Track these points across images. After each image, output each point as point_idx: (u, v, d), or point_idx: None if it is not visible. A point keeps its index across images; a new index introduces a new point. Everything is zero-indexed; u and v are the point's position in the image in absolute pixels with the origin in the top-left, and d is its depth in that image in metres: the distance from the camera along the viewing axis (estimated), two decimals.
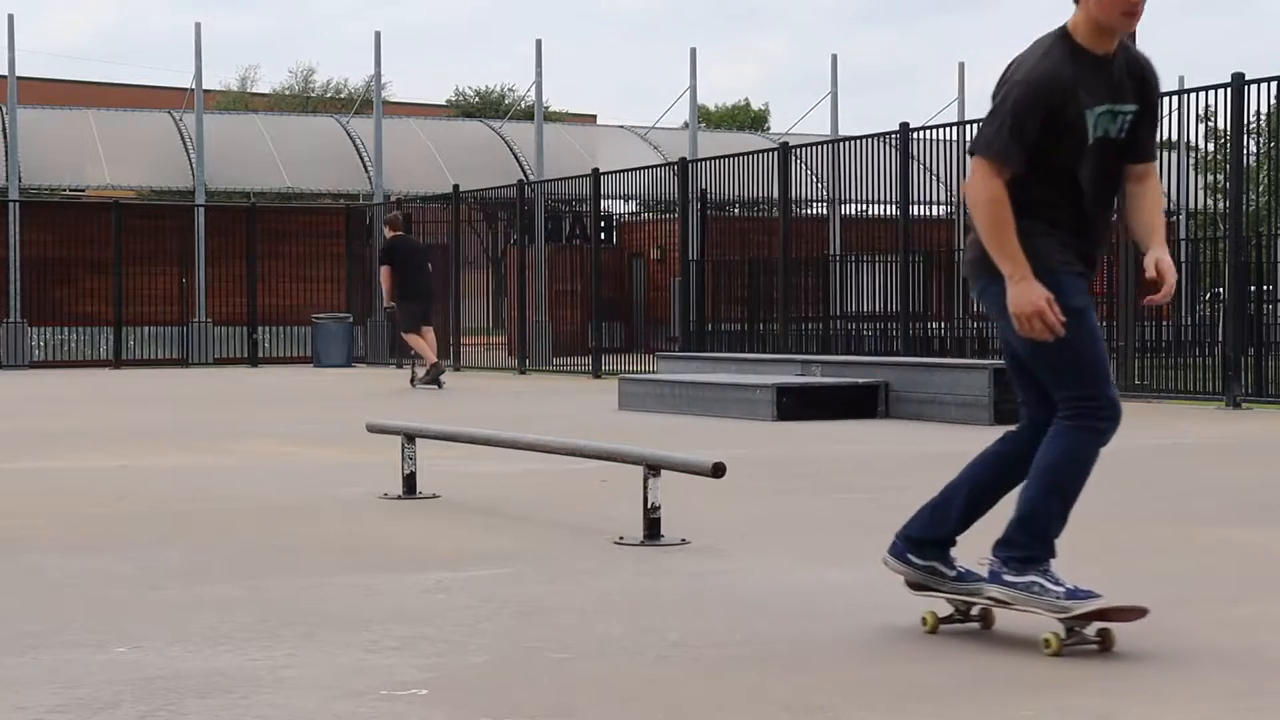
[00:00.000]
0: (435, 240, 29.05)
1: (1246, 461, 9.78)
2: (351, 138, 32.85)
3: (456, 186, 27.47)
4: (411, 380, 19.24)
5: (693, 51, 32.18)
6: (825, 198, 26.92)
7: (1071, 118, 4.08)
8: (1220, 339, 16.37)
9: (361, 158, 32.06)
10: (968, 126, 18.91)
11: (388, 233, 19.11)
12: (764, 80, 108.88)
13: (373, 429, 8.12)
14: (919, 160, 20.00)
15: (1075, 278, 4.18)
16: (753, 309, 21.61)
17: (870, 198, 20.15)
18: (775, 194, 20.94)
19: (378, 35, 31.27)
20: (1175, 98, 16.73)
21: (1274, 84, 14.80)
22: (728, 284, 22.09)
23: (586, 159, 31.35)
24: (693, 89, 32.20)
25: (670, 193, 23.16)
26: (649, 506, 5.99)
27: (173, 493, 7.89)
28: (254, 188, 31.79)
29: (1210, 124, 17.47)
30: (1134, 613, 4.10)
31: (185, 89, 33.09)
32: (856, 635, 4.32)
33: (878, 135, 19.81)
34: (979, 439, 12.01)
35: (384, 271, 18.77)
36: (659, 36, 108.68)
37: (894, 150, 19.27)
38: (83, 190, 31.23)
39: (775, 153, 21.00)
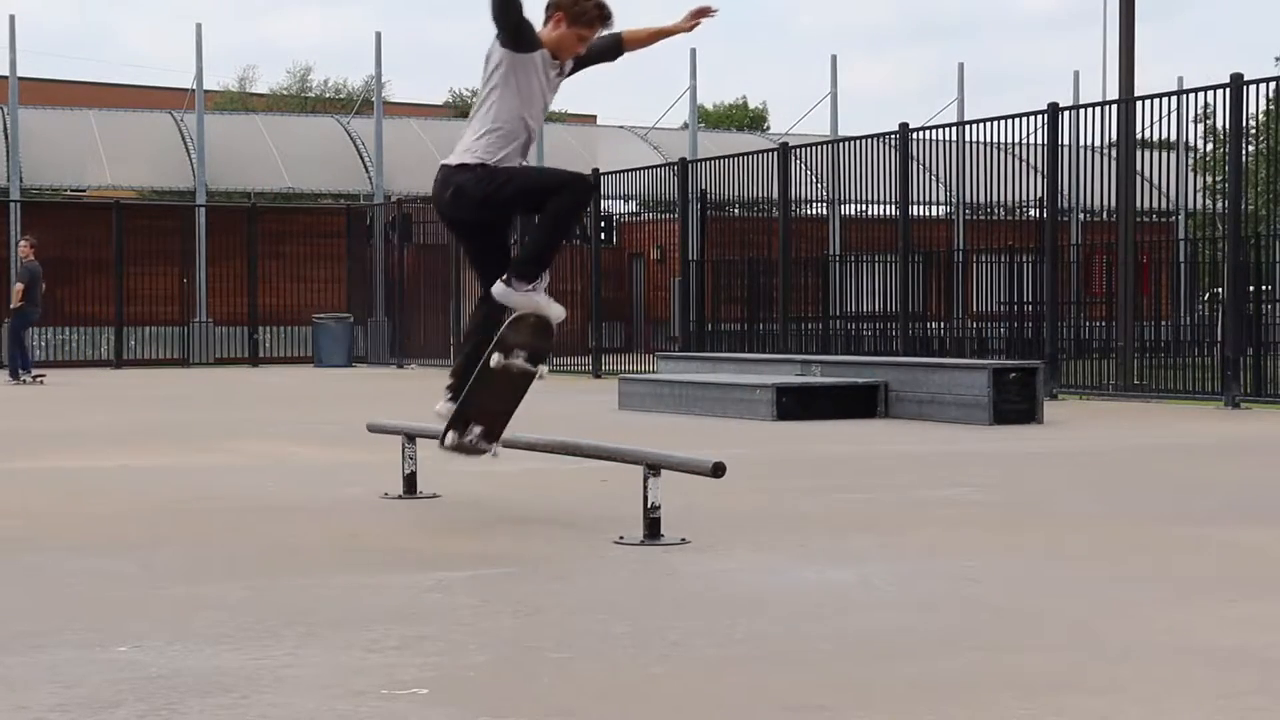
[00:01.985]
0: (436, 240, 29.08)
1: (1246, 461, 9.79)
2: (351, 138, 32.87)
3: None
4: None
5: (693, 52, 32.24)
6: (825, 198, 26.94)
7: None
8: (1219, 339, 16.37)
9: (361, 158, 32.08)
10: (968, 127, 18.91)
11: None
12: (763, 80, 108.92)
13: (373, 429, 8.13)
14: (919, 160, 20.00)
15: None
16: (753, 309, 21.62)
17: (870, 198, 20.16)
18: (775, 194, 20.95)
19: (378, 35, 31.30)
20: (1174, 98, 16.74)
21: (1273, 85, 14.81)
22: (728, 284, 22.10)
23: (586, 159, 31.36)
24: (693, 89, 32.22)
25: (670, 193, 23.17)
26: (649, 506, 6.00)
27: (173, 493, 7.90)
28: (254, 188, 31.82)
29: (1208, 123, 17.48)
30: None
31: (185, 89, 33.11)
32: (856, 635, 4.33)
33: (878, 135, 19.82)
34: (978, 438, 12.02)
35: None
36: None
37: (894, 150, 19.28)
38: (83, 190, 31.25)
39: (775, 153, 21.01)
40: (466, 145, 6.38)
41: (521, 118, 6.34)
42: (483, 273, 6.58)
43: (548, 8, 6.44)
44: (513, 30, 6.23)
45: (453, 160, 6.41)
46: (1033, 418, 12.58)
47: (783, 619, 4.56)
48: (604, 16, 6.47)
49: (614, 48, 6.70)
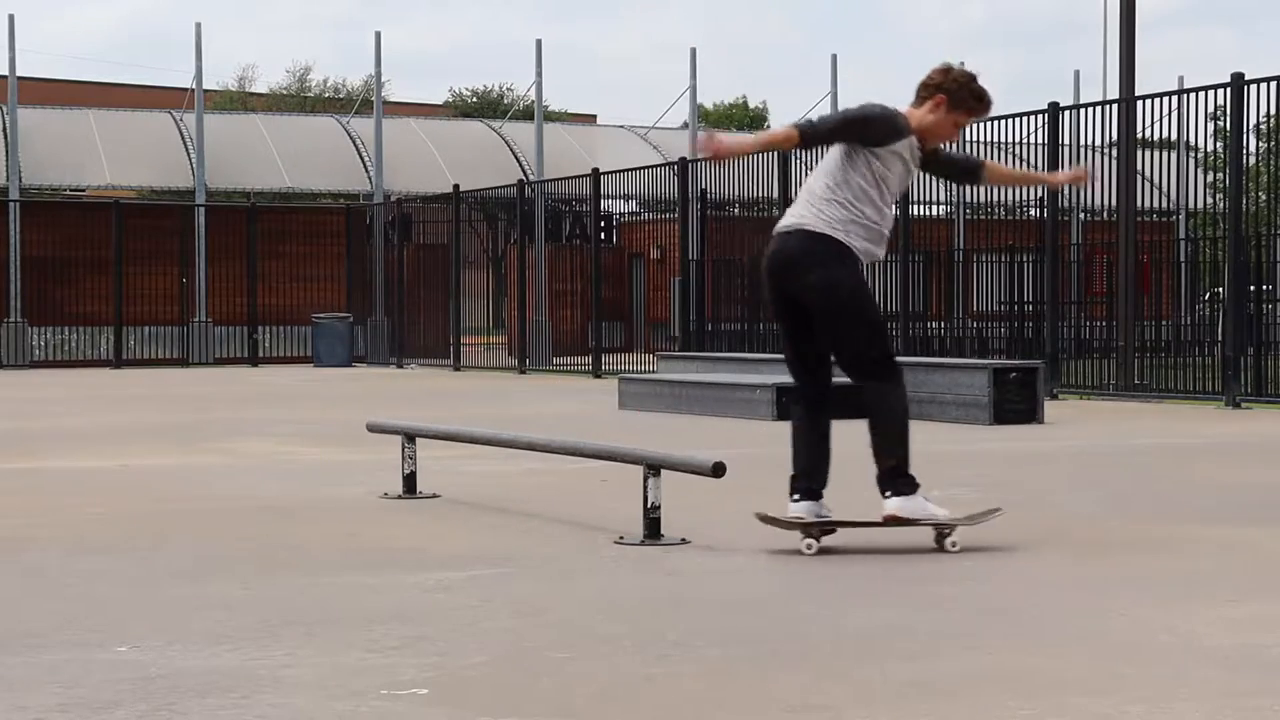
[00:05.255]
0: (436, 240, 29.09)
1: (1246, 461, 9.78)
2: (351, 138, 32.86)
3: (456, 186, 27.47)
4: None
5: (693, 51, 32.21)
6: None
7: None
8: (1220, 339, 16.36)
9: (361, 158, 32.07)
10: (967, 126, 18.88)
11: None
12: (763, 80, 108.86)
13: (373, 429, 8.13)
14: None
15: None
16: (753, 309, 21.61)
17: None
18: (775, 194, 20.93)
19: (378, 35, 31.29)
20: (1175, 98, 16.74)
21: (1274, 84, 14.81)
22: (728, 284, 22.09)
23: (586, 159, 31.34)
24: (693, 89, 32.20)
25: (670, 193, 23.16)
26: (649, 506, 6.00)
27: (173, 493, 7.89)
28: (254, 188, 31.79)
29: (1220, 123, 17.46)
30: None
31: (185, 89, 33.10)
32: (856, 634, 4.32)
33: None
34: (979, 438, 12.01)
35: None
36: (659, 36, 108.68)
37: None
38: (83, 190, 31.24)
39: (775, 152, 21.00)
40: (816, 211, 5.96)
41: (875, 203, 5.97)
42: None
43: (925, 88, 6.06)
44: (863, 138, 5.89)
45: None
46: (1033, 417, 12.57)
47: (783, 619, 4.55)
48: (986, 104, 6.16)
49: (974, 171, 6.48)
